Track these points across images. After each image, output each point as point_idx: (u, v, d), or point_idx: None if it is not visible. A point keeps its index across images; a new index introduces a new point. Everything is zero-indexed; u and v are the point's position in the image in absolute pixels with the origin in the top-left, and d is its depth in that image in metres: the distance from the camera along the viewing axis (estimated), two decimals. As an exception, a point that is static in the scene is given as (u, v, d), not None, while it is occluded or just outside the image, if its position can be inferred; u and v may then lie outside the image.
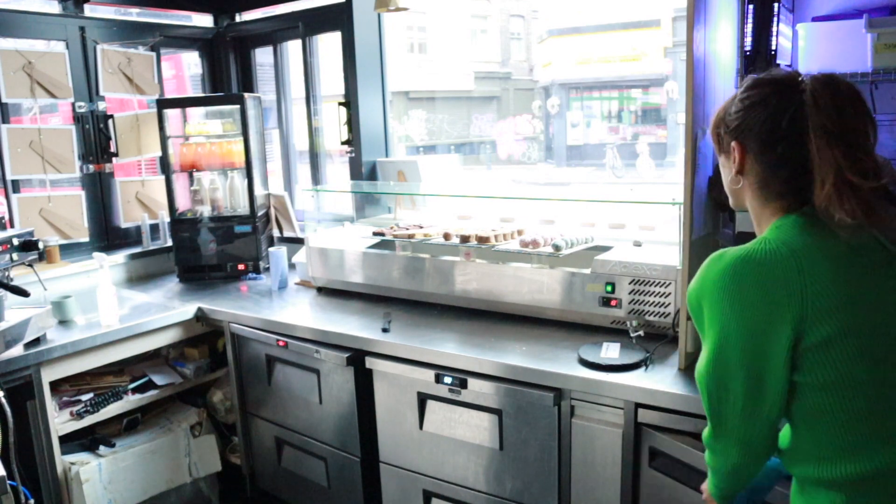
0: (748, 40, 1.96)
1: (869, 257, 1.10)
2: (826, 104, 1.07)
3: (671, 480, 1.85)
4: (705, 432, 1.23)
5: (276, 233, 3.63)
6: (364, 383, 2.44)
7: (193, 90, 4.23)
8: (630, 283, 2.21)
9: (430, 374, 2.23)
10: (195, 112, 3.51)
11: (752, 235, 1.77)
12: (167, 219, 3.45)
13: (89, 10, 3.34)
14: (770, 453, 1.18)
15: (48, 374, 2.46)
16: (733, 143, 1.18)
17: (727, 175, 1.24)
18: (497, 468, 2.19)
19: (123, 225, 3.50)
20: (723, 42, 2.02)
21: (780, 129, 1.11)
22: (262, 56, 3.95)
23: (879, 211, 1.05)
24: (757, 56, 1.96)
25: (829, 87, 1.09)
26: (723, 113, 1.22)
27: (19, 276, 2.53)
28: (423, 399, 2.31)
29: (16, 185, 3.10)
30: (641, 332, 2.15)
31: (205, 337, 3.00)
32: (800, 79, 1.12)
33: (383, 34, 3.49)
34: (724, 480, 1.26)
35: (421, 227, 2.79)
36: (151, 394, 2.82)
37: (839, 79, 1.10)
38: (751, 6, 1.94)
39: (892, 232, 1.10)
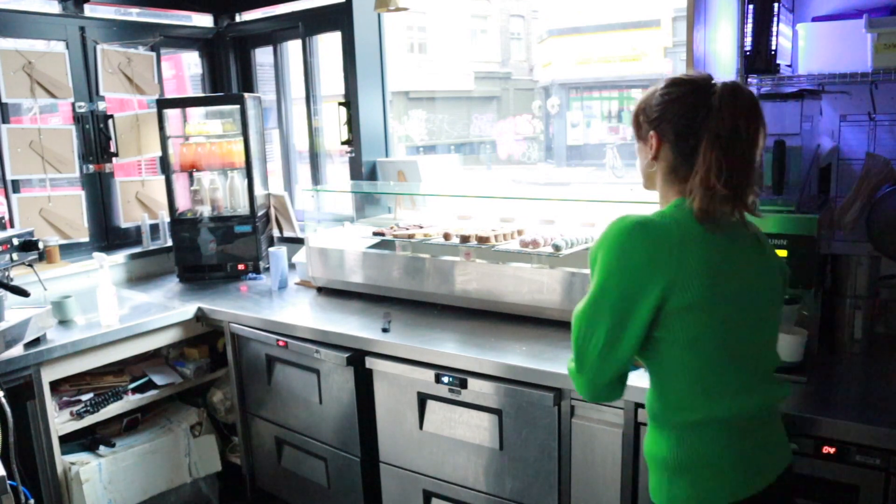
0: (748, 40, 1.96)
1: (737, 239, 1.31)
2: (724, 112, 1.23)
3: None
4: (570, 365, 1.36)
5: (276, 233, 3.63)
6: (364, 383, 2.43)
7: (193, 90, 4.23)
8: (630, 283, 2.21)
9: (430, 374, 2.23)
10: (195, 112, 3.51)
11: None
12: (167, 219, 3.45)
13: (89, 10, 3.34)
14: (612, 395, 1.36)
15: (48, 374, 2.46)
16: (652, 132, 1.33)
17: (643, 159, 1.40)
18: (497, 468, 2.19)
19: (123, 225, 3.50)
20: (723, 42, 2.02)
21: (693, 125, 1.27)
22: (262, 56, 3.95)
23: (714, 212, 1.25)
24: (757, 56, 1.95)
25: (732, 96, 1.25)
26: (643, 104, 1.36)
27: (19, 276, 2.53)
28: (423, 399, 2.31)
29: (16, 185, 3.10)
30: (641, 332, 2.15)
31: (205, 337, 3.00)
32: (712, 82, 1.28)
33: (383, 34, 3.49)
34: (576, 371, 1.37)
35: (421, 227, 2.79)
36: (151, 394, 2.82)
37: (743, 89, 1.27)
38: (751, 6, 1.94)
39: (720, 229, 1.29)
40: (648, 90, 1.36)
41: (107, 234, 3.46)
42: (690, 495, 1.31)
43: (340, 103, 3.45)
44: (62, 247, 3.17)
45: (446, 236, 2.63)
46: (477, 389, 2.15)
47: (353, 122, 3.45)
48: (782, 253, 1.82)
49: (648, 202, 2.52)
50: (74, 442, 2.68)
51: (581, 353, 1.31)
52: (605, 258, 1.27)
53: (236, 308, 2.83)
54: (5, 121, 3.04)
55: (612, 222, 1.29)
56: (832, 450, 1.61)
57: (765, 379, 1.36)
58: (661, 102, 1.31)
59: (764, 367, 1.37)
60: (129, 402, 2.76)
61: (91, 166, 3.34)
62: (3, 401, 2.15)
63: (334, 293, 2.97)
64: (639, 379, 1.90)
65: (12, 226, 3.08)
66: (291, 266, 3.27)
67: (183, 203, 3.46)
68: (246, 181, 3.37)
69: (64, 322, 2.69)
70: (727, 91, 1.25)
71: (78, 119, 3.27)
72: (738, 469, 1.30)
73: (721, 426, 1.29)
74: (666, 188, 1.36)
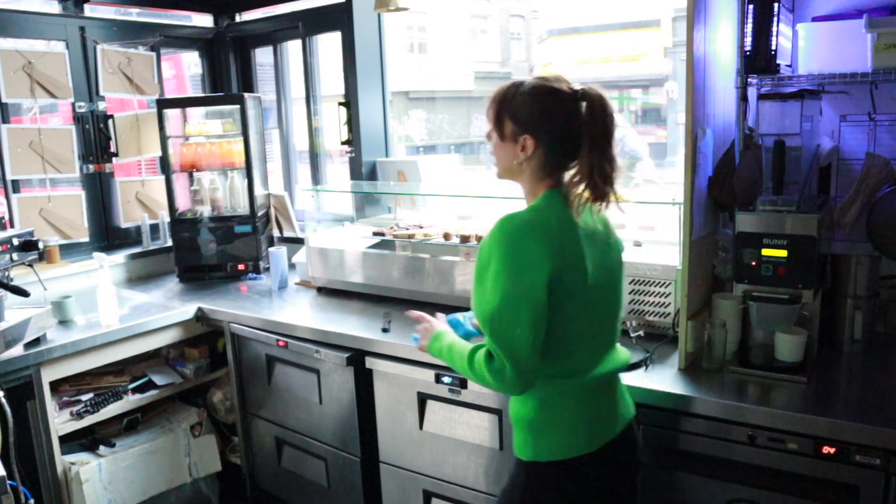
0: (748, 40, 1.96)
1: (597, 232, 1.53)
2: (597, 120, 1.43)
3: (675, 478, 1.85)
4: (491, 369, 1.44)
5: (276, 233, 3.62)
6: (364, 383, 2.43)
7: (193, 90, 4.23)
8: (630, 283, 2.21)
9: (430, 374, 2.23)
10: (195, 112, 3.51)
11: (752, 236, 1.77)
12: (167, 219, 3.45)
13: (89, 10, 3.34)
14: (536, 379, 1.47)
15: (48, 374, 2.46)
16: (526, 136, 1.47)
17: (506, 154, 1.52)
18: (497, 468, 2.19)
19: (123, 225, 3.50)
20: (723, 42, 2.02)
21: (567, 131, 1.45)
22: (262, 56, 3.95)
23: (605, 199, 1.46)
24: (757, 56, 1.95)
25: (599, 104, 1.43)
26: (506, 105, 1.49)
27: (19, 276, 2.53)
28: (423, 399, 2.31)
29: (16, 185, 3.10)
30: (641, 332, 2.15)
31: (205, 337, 3.00)
32: (577, 89, 1.45)
33: (383, 34, 3.49)
34: (479, 381, 1.51)
35: (421, 227, 2.79)
36: (151, 394, 2.82)
37: (605, 97, 1.45)
38: (751, 6, 1.94)
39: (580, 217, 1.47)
40: (507, 87, 1.50)
41: (107, 234, 3.46)
42: (553, 450, 1.49)
43: (340, 103, 3.45)
44: (62, 247, 3.17)
45: (446, 236, 2.63)
46: (477, 389, 2.15)
47: (353, 122, 3.45)
48: (782, 253, 1.82)
49: (648, 202, 2.53)
50: (74, 442, 2.68)
51: (512, 354, 1.40)
52: (504, 257, 1.40)
53: (236, 308, 2.83)
54: (5, 121, 3.04)
55: (499, 222, 1.44)
56: (832, 450, 1.61)
57: (613, 347, 1.59)
58: (536, 110, 1.46)
59: (613, 336, 1.59)
60: (129, 402, 2.75)
61: (91, 166, 3.34)
62: (3, 401, 2.15)
63: (334, 293, 2.97)
64: (638, 379, 1.91)
65: (12, 226, 3.08)
66: (291, 266, 3.27)
67: (183, 203, 3.46)
68: (246, 181, 3.37)
69: (64, 322, 2.69)
70: (595, 101, 1.43)
71: (78, 119, 3.27)
72: (592, 424, 1.51)
73: (579, 390, 1.50)
74: (535, 182, 1.52)
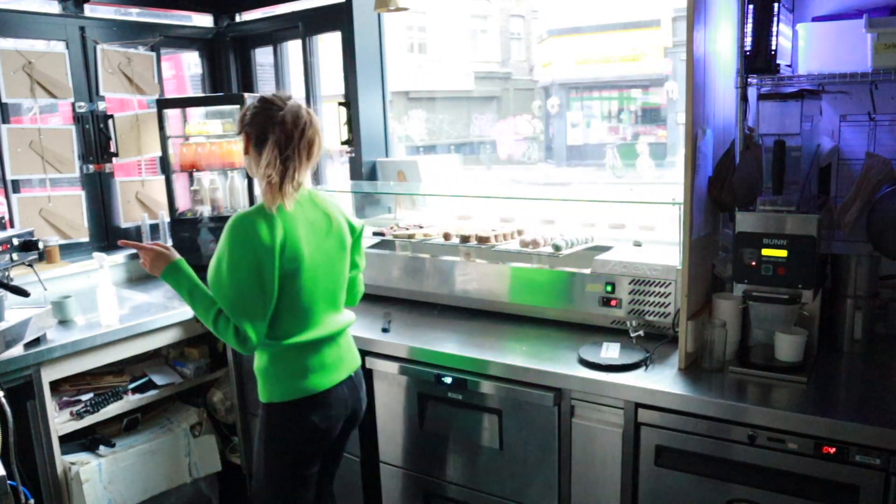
0: (748, 40, 1.96)
1: (316, 219, 1.89)
2: (284, 127, 1.78)
3: (675, 478, 1.85)
4: (223, 323, 1.80)
5: (276, 233, 3.62)
6: (364, 383, 2.43)
7: (193, 90, 4.23)
8: (630, 283, 2.21)
9: (430, 374, 2.23)
10: (195, 112, 3.51)
11: (752, 236, 1.77)
12: (167, 219, 3.44)
13: (89, 10, 3.34)
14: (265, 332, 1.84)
15: (48, 374, 2.46)
16: (244, 133, 1.85)
17: (244, 151, 1.87)
18: (497, 468, 2.19)
19: (123, 225, 3.50)
20: (723, 42, 2.02)
21: (265, 133, 1.79)
22: (262, 56, 3.95)
23: (283, 193, 1.79)
24: (757, 56, 1.95)
25: (292, 115, 1.79)
26: (242, 112, 1.87)
27: (19, 276, 2.53)
28: (423, 399, 2.31)
29: (16, 185, 3.09)
30: (641, 332, 2.15)
31: (205, 337, 2.99)
32: (284, 101, 1.81)
33: (383, 34, 3.49)
34: (219, 336, 1.86)
35: (421, 227, 2.79)
36: (151, 394, 2.82)
37: (302, 111, 1.81)
38: (751, 6, 1.94)
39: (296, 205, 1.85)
40: (248, 103, 1.88)
41: (107, 234, 3.45)
42: (283, 392, 1.87)
43: (340, 103, 3.45)
44: (62, 247, 3.17)
45: (446, 236, 2.63)
46: (477, 389, 2.15)
47: (353, 122, 3.45)
48: (782, 253, 1.82)
49: (648, 202, 2.53)
50: (74, 442, 2.68)
51: (243, 323, 1.77)
52: (233, 247, 1.77)
53: (236, 308, 2.83)
54: (5, 121, 3.04)
55: (232, 218, 1.78)
56: (832, 450, 1.61)
57: (337, 310, 1.98)
58: (252, 115, 1.83)
59: (336, 304, 1.97)
60: (129, 402, 2.75)
61: (91, 166, 3.33)
62: (3, 401, 2.14)
63: (334, 293, 2.97)
64: (638, 379, 1.91)
65: (12, 226, 3.08)
66: (291, 266, 3.26)
67: (183, 203, 3.46)
68: (246, 181, 3.37)
69: (64, 322, 2.69)
70: (289, 112, 1.79)
71: (78, 119, 3.27)
72: (315, 373, 1.88)
73: (302, 347, 1.87)
74: (258, 175, 1.84)
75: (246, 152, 1.86)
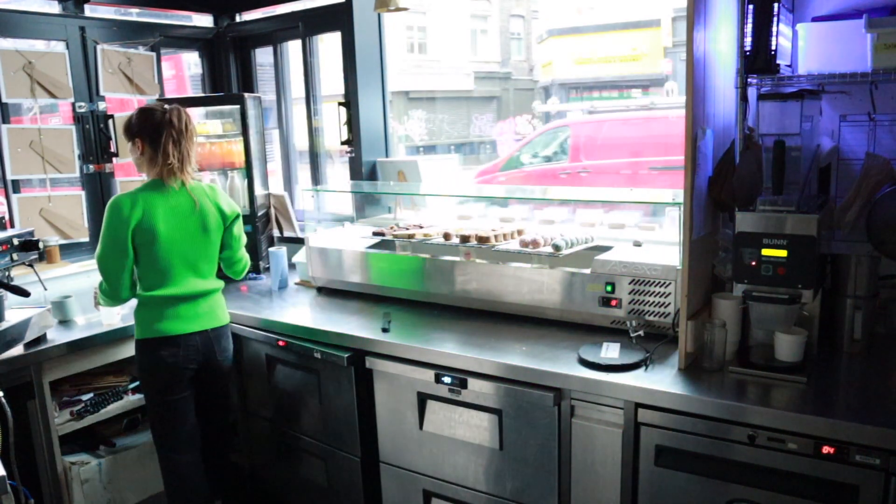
0: (748, 40, 1.96)
1: (181, 203, 2.33)
2: (172, 128, 2.29)
3: (674, 478, 1.85)
4: (104, 293, 2.36)
5: (276, 233, 3.62)
6: (364, 383, 2.44)
7: (193, 90, 4.23)
8: (630, 283, 2.21)
9: (430, 374, 2.23)
10: (195, 112, 3.49)
11: (752, 236, 1.78)
12: (167, 219, 3.44)
13: (89, 10, 3.34)
14: (129, 289, 2.35)
15: (48, 374, 2.46)
16: (137, 139, 2.31)
17: (133, 154, 2.35)
18: (497, 468, 2.19)
19: (123, 225, 3.50)
20: (723, 42, 2.02)
21: (157, 134, 2.29)
22: (262, 56, 3.95)
23: (168, 179, 2.32)
24: (757, 56, 1.95)
25: (174, 115, 2.30)
26: (126, 123, 2.34)
27: (19, 276, 2.53)
28: (423, 399, 2.31)
29: (16, 185, 3.10)
30: (641, 332, 2.15)
31: (205, 337, 2.99)
32: (166, 107, 2.31)
33: (383, 34, 3.49)
34: (106, 295, 2.37)
35: (421, 227, 2.79)
36: (151, 394, 2.81)
37: (182, 113, 2.33)
38: (751, 6, 1.94)
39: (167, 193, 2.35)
40: (128, 115, 2.36)
41: (107, 234, 3.45)
42: (143, 331, 2.34)
43: (340, 103, 3.45)
44: (62, 247, 3.17)
45: (446, 236, 2.63)
46: (477, 389, 2.15)
47: (353, 122, 3.45)
48: (782, 253, 1.82)
49: (648, 202, 2.54)
50: (74, 442, 2.68)
51: (110, 282, 2.30)
52: (105, 222, 2.25)
53: (236, 308, 2.83)
54: (5, 121, 3.04)
55: (110, 200, 2.27)
56: (832, 450, 1.61)
57: (200, 277, 2.40)
58: (139, 121, 2.31)
59: (199, 270, 2.39)
60: (129, 402, 2.76)
61: (91, 166, 3.34)
62: (3, 401, 2.14)
63: (334, 293, 2.97)
64: (638, 379, 1.91)
65: (12, 226, 3.08)
66: (291, 266, 3.27)
67: (183, 203, 3.45)
68: (246, 181, 3.37)
69: (64, 322, 2.69)
70: (173, 114, 2.30)
71: (78, 119, 3.27)
72: (169, 320, 2.33)
73: (167, 299, 2.33)
74: (147, 172, 2.35)
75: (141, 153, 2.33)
